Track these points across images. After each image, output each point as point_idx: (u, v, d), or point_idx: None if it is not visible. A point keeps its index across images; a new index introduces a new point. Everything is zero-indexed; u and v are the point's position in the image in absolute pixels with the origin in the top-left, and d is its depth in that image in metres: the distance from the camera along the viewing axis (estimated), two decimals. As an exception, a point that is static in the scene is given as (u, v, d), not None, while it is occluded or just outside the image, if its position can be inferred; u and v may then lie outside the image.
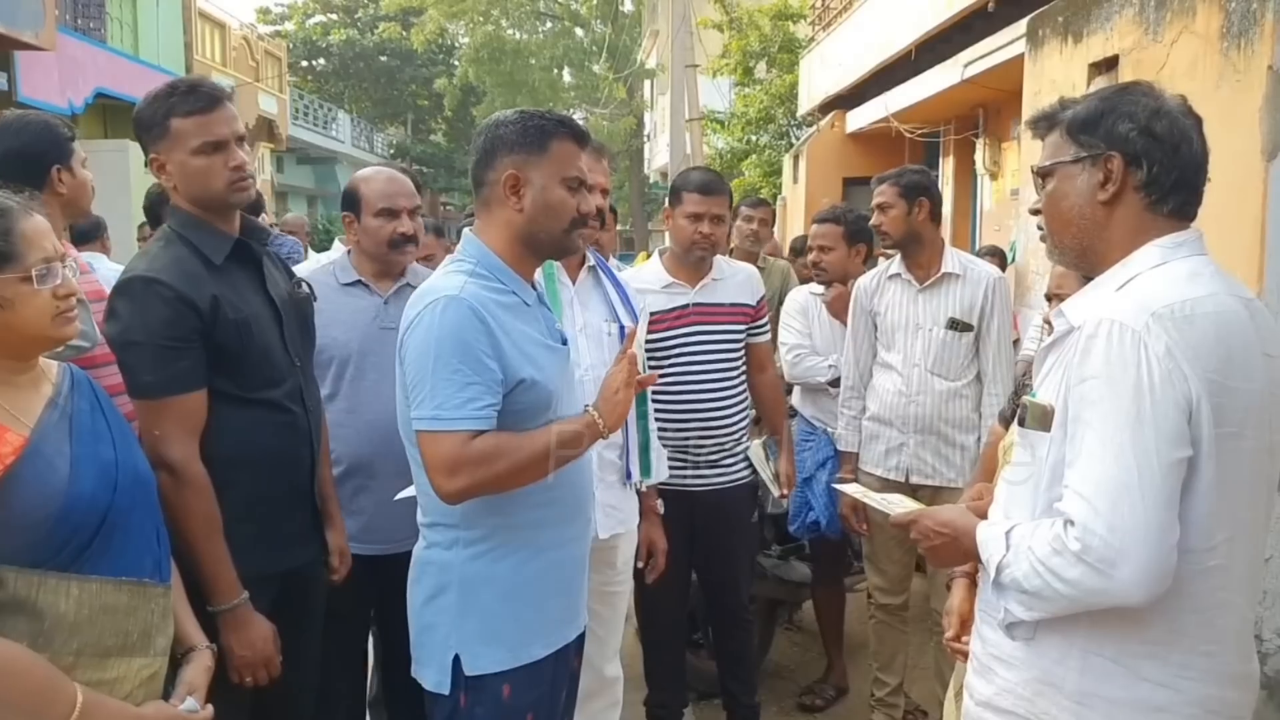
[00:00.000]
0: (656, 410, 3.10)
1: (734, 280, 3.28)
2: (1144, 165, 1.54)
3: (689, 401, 3.17)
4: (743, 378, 3.30)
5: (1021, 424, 1.60)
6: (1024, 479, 1.60)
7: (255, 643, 2.06)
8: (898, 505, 2.02)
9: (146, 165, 2.14)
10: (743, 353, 3.29)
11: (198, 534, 1.97)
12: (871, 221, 3.37)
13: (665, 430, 3.13)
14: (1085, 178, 1.58)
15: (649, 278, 3.26)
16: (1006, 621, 1.58)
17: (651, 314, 3.10)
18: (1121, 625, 1.48)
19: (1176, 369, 1.42)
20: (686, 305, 3.19)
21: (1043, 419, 1.54)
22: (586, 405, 1.99)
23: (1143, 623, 1.48)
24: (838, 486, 2.70)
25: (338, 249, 4.10)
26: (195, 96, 2.06)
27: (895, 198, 3.32)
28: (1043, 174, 1.65)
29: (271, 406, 2.15)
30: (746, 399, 3.33)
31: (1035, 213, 1.70)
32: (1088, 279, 2.08)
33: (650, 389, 3.17)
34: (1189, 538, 1.44)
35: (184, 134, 2.04)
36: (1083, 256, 1.63)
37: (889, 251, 3.53)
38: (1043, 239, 1.73)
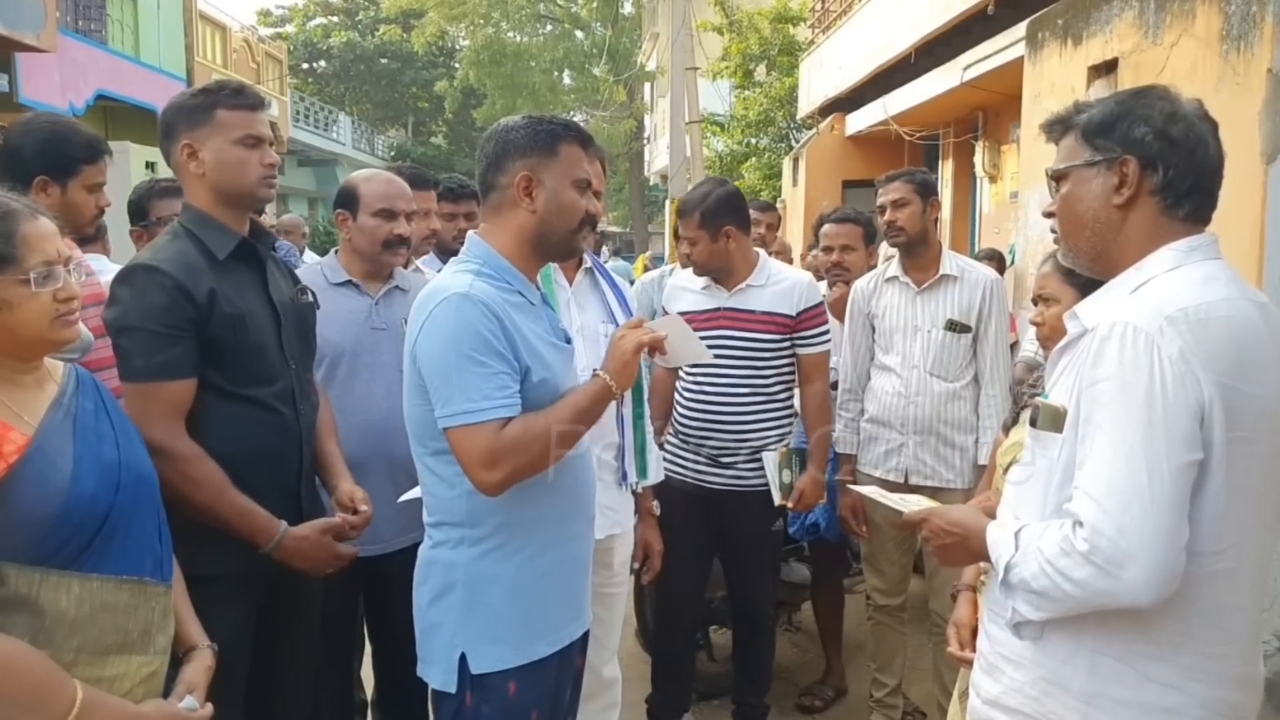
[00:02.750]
0: (679, 403, 3.18)
1: (775, 288, 3.24)
2: (1160, 169, 1.54)
3: (708, 401, 3.22)
4: (777, 389, 3.26)
5: (1034, 425, 1.60)
6: (1031, 478, 1.61)
7: (313, 553, 2.15)
8: (912, 504, 2.02)
9: (169, 156, 2.20)
10: (779, 363, 3.25)
11: (210, 496, 2.03)
12: (885, 218, 3.35)
13: (685, 424, 3.20)
14: (1100, 181, 1.58)
15: (694, 277, 3.33)
16: (1014, 621, 1.58)
17: (685, 313, 3.11)
18: (1130, 626, 1.49)
19: (1189, 372, 1.42)
20: (718, 308, 3.23)
21: (1054, 420, 1.55)
22: (595, 369, 2.01)
23: (1151, 624, 1.48)
24: (854, 488, 2.63)
25: None
26: (244, 95, 2.20)
27: (911, 194, 3.32)
28: (1057, 177, 1.65)
29: (260, 405, 2.17)
30: (781, 410, 3.29)
31: (1049, 215, 1.70)
32: (1077, 282, 2.10)
33: (677, 384, 3.23)
34: (1199, 540, 1.44)
35: (229, 124, 2.15)
36: (1097, 260, 1.63)
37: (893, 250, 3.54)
38: (1056, 241, 1.73)
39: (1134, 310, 1.47)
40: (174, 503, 1.96)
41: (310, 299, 2.40)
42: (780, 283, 3.26)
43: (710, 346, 3.14)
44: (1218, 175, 1.58)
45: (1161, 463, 1.40)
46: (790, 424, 3.34)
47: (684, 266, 3.28)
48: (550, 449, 1.89)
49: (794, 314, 3.23)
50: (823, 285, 3.97)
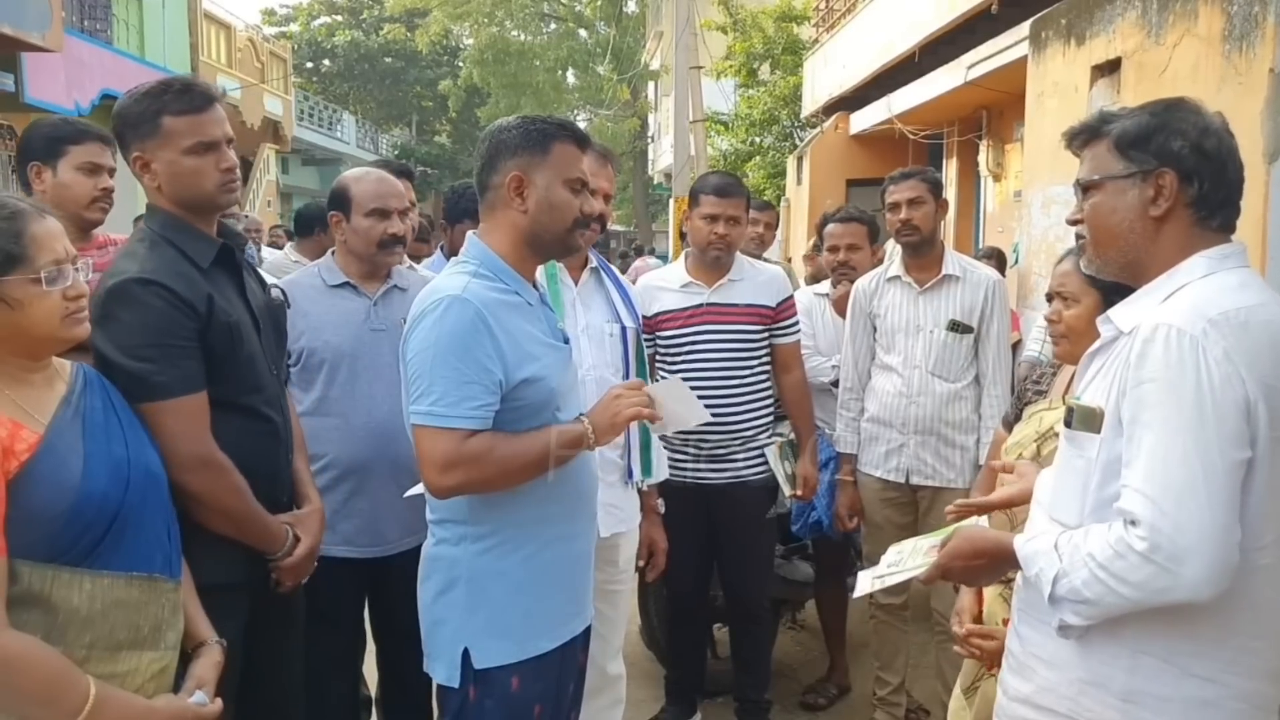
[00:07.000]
0: None
1: (754, 281, 3.32)
2: (1195, 182, 1.56)
3: (698, 396, 3.21)
4: (760, 377, 3.34)
5: (1068, 426, 1.62)
6: (1065, 477, 1.62)
7: (306, 562, 2.16)
8: (910, 561, 1.92)
9: (129, 163, 2.06)
10: (761, 353, 3.33)
11: (248, 504, 2.01)
12: (901, 216, 3.34)
13: None
14: (1135, 193, 1.59)
15: (670, 276, 3.38)
16: (1061, 627, 1.58)
17: (667, 311, 3.25)
18: (1173, 624, 1.50)
19: (1234, 372, 1.44)
20: (701, 304, 3.27)
21: (1090, 421, 1.56)
22: (581, 415, 2.03)
23: (1194, 621, 1.49)
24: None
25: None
26: (190, 96, 2.00)
27: (927, 193, 3.33)
28: (1088, 187, 1.66)
29: (254, 414, 2.09)
30: (765, 399, 3.36)
31: (1075, 223, 1.71)
32: (1102, 284, 2.10)
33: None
34: (1243, 537, 1.46)
35: (176, 133, 1.98)
36: (1126, 269, 1.64)
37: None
38: (1081, 249, 1.74)
39: (1175, 313, 1.49)
40: (208, 514, 1.94)
41: (280, 298, 2.35)
42: (758, 276, 3.35)
43: (694, 342, 3.22)
44: (1241, 188, 1.61)
45: (1215, 460, 1.42)
46: (771, 412, 3.39)
47: (715, 250, 3.22)
48: (508, 478, 1.93)
49: (774, 305, 3.33)
50: (826, 284, 3.99)
